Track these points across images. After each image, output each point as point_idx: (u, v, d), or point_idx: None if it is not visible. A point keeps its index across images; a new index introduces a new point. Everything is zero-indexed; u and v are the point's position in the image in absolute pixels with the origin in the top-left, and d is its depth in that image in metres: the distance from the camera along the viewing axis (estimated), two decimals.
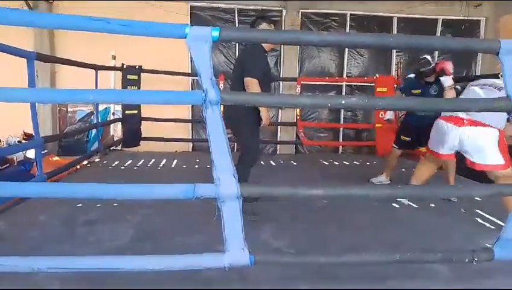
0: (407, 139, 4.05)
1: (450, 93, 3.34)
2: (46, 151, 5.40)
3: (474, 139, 2.76)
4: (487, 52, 1.92)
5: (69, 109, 7.26)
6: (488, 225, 2.89)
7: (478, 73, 7.64)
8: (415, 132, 3.91)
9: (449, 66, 3.38)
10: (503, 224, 1.77)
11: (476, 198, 3.30)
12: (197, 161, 5.14)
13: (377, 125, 6.09)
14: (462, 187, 2.25)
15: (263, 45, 3.04)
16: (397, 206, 3.29)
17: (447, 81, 3.33)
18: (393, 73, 7.25)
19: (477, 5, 7.06)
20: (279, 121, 7.06)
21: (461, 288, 1.99)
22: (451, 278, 2.03)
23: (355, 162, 5.61)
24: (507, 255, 1.73)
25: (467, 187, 2.31)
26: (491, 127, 2.72)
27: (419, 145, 4.03)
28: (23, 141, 6.07)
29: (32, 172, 4.53)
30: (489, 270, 2.03)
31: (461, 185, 3.74)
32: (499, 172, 2.70)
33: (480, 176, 3.06)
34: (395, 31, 7.38)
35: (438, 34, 7.39)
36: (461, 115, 2.83)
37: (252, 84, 2.81)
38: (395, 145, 4.19)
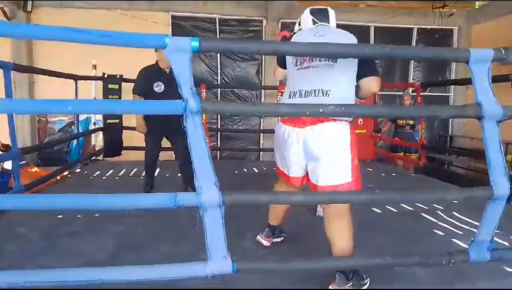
0: None
1: None
2: (25, 162, 5.28)
3: (320, 144, 1.93)
4: (458, 61, 2.00)
5: (49, 119, 7.13)
6: (466, 226, 2.97)
7: (453, 77, 7.90)
8: None
9: None
10: (478, 224, 1.83)
11: (453, 201, 3.38)
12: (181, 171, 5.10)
13: (356, 131, 6.16)
14: (437, 190, 2.32)
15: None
16: (378, 211, 3.35)
17: None
18: None
19: (449, 14, 7.31)
20: (261, 128, 7.10)
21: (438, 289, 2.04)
22: (429, 281, 2.08)
23: None
24: (482, 256, 1.79)
25: (442, 191, 2.38)
26: (342, 120, 1.96)
27: None
28: (0, 153, 5.92)
29: (11, 184, 4.42)
30: (465, 271, 2.10)
31: (437, 188, 3.84)
32: None
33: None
34: (372, 40, 7.55)
35: (414, 42, 7.62)
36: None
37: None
38: None
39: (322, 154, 1.93)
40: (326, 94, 1.93)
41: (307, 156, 2.00)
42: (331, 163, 1.93)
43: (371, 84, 1.96)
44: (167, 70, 3.52)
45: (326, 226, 2.01)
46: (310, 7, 2.21)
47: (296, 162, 2.06)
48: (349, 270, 1.92)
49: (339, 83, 1.94)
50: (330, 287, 1.92)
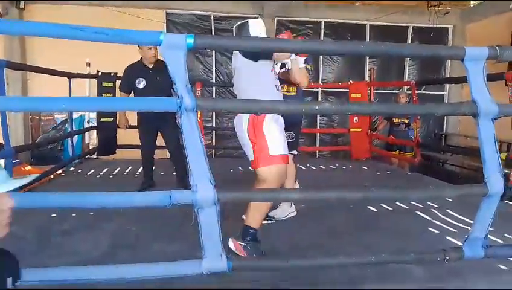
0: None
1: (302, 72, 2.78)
2: (18, 160, 5.23)
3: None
4: (453, 59, 2.02)
5: (42, 117, 7.07)
6: (460, 224, 2.98)
7: (448, 76, 7.95)
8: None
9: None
10: (472, 221, 1.84)
11: (447, 199, 3.40)
12: (175, 167, 5.09)
13: (351, 130, 6.21)
14: (432, 188, 2.33)
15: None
16: (373, 209, 3.36)
17: (300, 61, 2.73)
18: (367, 78, 7.42)
19: (445, 13, 7.34)
20: None
21: (434, 288, 2.05)
22: (425, 278, 2.09)
23: (331, 166, 5.70)
24: (476, 253, 1.80)
25: (437, 189, 2.39)
26: None
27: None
28: None
29: None
30: (460, 268, 2.10)
31: (432, 186, 3.85)
32: (256, 171, 2.30)
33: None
34: (367, 38, 7.56)
35: (409, 40, 7.64)
36: None
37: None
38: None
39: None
40: (234, 87, 2.50)
41: None
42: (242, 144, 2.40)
43: None
44: (150, 66, 3.58)
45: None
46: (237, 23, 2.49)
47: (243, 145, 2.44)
48: (249, 234, 2.22)
49: (240, 78, 2.39)
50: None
